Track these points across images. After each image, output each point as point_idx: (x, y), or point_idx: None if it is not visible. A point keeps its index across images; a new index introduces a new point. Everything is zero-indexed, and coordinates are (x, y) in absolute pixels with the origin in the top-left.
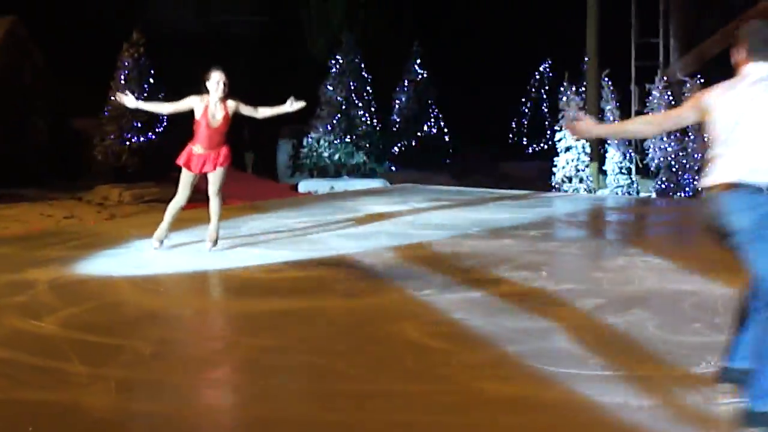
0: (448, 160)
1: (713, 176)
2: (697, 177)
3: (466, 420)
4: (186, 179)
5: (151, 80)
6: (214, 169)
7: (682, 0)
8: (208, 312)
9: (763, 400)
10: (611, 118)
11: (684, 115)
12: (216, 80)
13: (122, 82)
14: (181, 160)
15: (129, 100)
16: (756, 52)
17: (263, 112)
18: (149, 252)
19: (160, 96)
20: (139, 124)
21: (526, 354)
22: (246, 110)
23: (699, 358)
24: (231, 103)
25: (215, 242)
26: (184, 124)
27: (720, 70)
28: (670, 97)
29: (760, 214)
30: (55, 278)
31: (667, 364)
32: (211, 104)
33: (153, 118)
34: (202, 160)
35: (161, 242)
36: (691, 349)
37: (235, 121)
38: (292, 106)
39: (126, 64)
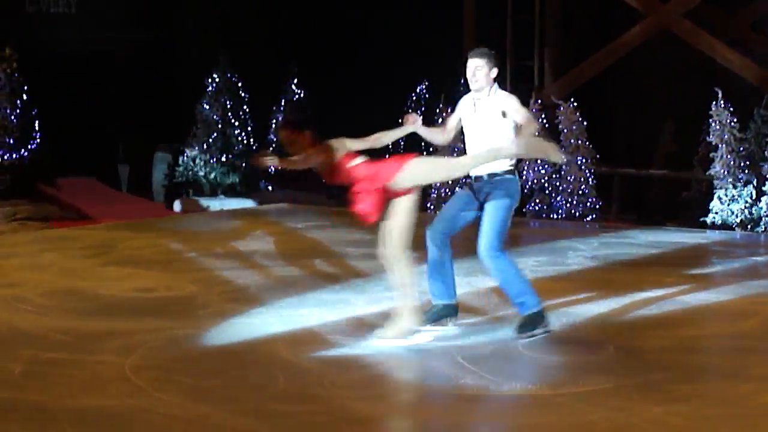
0: (324, 181)
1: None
2: (570, 199)
3: None
4: None
5: (25, 96)
6: None
7: (555, 25)
8: (79, 331)
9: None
10: None
11: None
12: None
13: None
14: None
15: None
16: None
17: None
18: (21, 271)
19: (32, 112)
20: (11, 141)
21: (399, 373)
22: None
23: (570, 377)
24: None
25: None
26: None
27: (592, 94)
28: (544, 120)
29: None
30: None
31: (536, 382)
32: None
33: (26, 135)
34: None
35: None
36: (561, 369)
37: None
38: None
39: None
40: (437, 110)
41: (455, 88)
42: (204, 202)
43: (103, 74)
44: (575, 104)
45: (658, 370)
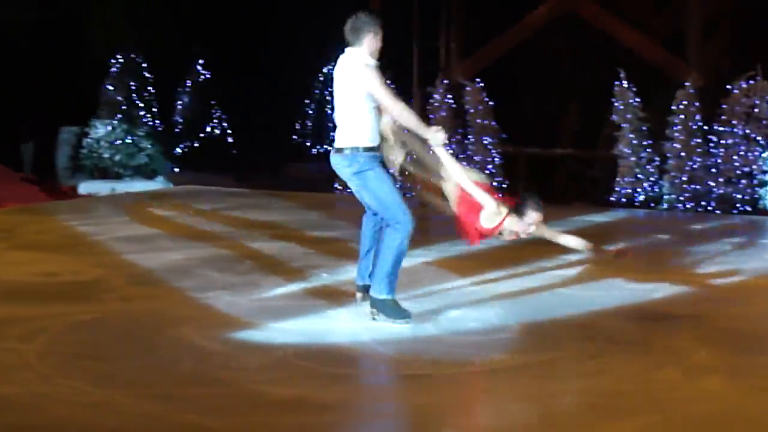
0: (231, 162)
1: None
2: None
3: (244, 421)
4: None
5: None
6: None
7: (461, 6)
8: None
9: (377, 287)
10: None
11: None
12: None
13: None
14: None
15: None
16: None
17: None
18: None
19: None
20: None
21: (305, 355)
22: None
23: (474, 356)
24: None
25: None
26: None
27: (499, 74)
28: (451, 100)
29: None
30: None
31: (444, 362)
32: None
33: None
34: None
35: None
36: (466, 347)
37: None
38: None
39: None
40: None
41: None
42: (109, 184)
43: (2, 55)
44: (482, 84)
45: (563, 347)
